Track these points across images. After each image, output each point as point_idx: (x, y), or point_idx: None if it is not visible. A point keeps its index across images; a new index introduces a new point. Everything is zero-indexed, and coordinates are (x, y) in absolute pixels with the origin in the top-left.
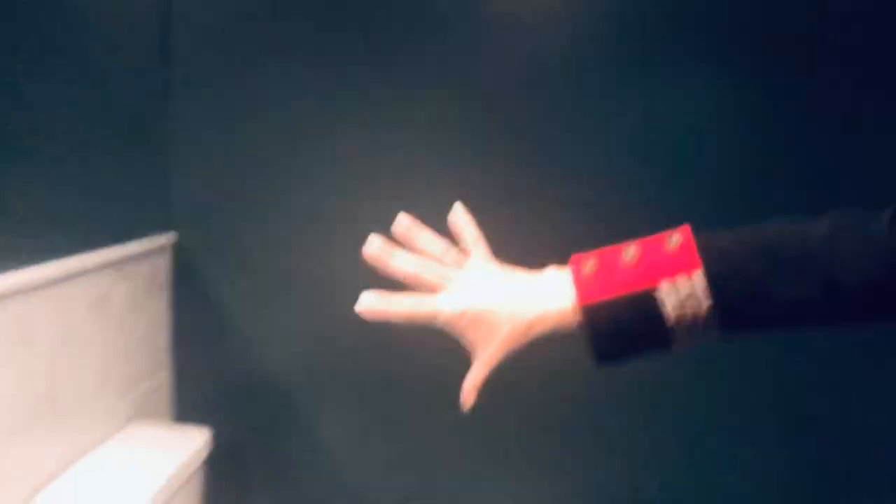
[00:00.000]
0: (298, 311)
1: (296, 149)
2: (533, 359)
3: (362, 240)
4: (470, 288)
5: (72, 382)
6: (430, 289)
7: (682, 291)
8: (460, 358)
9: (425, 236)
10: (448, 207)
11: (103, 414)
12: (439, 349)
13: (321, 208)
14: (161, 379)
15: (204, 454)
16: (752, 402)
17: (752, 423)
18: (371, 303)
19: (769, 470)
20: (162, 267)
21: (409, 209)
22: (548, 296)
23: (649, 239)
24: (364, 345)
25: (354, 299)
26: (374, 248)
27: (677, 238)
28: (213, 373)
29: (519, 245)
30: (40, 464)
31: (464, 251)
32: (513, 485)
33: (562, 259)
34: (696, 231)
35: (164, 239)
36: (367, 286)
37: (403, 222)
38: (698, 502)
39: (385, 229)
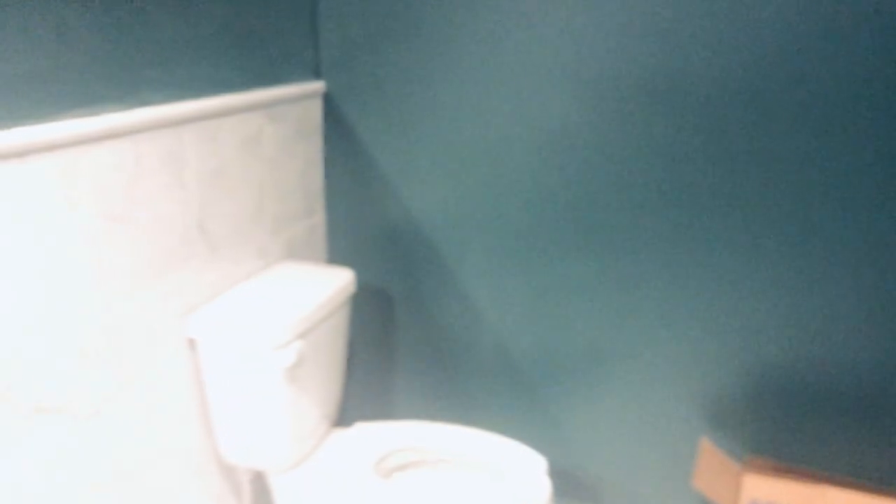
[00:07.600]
0: (445, 163)
1: None
2: None
3: (514, 94)
4: None
5: (225, 216)
6: None
7: None
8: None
9: None
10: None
11: (256, 250)
12: (586, 208)
13: (475, 59)
14: (314, 222)
15: (347, 293)
16: None
17: None
18: None
19: None
20: (312, 114)
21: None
22: None
23: None
24: (509, 200)
25: (501, 154)
26: None
27: None
28: (361, 219)
29: None
30: (195, 288)
31: None
32: (655, 330)
33: None
34: None
35: (313, 86)
36: (517, 141)
37: None
38: None
39: (544, 86)
